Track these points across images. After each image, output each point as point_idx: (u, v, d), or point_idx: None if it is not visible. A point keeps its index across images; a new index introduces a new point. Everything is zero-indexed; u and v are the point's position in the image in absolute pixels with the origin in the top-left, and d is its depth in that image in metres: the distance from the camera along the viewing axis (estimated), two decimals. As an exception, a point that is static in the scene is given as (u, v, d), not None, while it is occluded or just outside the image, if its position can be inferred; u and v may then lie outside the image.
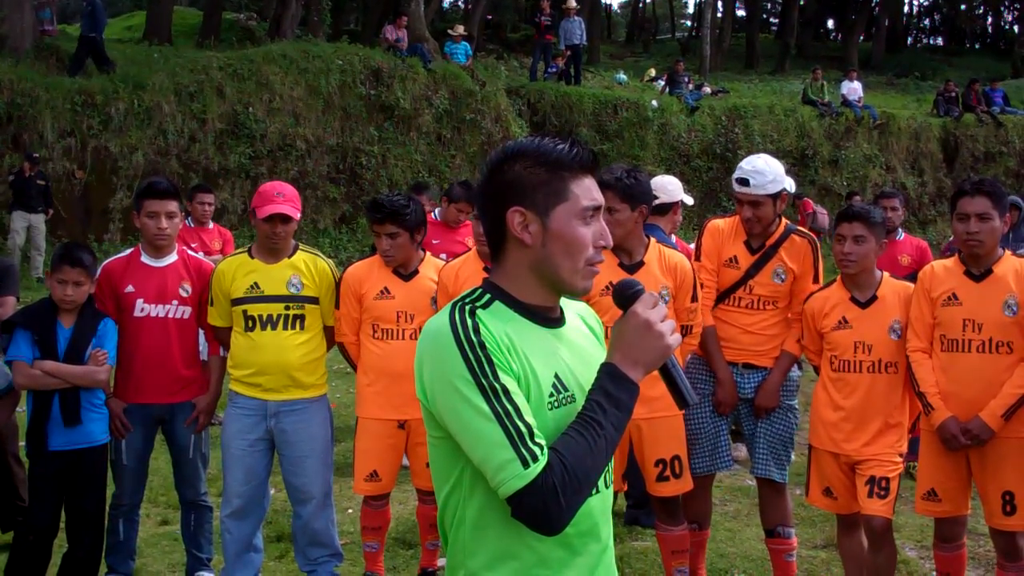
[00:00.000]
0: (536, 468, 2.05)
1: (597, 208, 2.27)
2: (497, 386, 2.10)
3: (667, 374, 2.27)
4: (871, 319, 4.88)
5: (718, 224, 5.46)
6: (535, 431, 2.09)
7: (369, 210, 5.22)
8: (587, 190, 2.26)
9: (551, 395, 2.20)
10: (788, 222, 5.36)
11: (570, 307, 2.44)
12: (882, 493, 4.75)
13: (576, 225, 2.24)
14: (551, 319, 2.32)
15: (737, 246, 5.28)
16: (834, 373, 4.95)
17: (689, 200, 6.42)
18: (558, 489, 2.04)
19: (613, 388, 2.14)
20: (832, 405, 4.93)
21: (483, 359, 2.11)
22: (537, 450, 2.07)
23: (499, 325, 2.19)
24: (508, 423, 2.07)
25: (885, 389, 4.85)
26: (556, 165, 2.24)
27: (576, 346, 2.34)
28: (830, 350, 4.97)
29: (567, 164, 2.25)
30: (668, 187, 6.36)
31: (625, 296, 2.24)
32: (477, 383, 2.10)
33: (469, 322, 2.16)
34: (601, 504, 2.31)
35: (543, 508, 2.05)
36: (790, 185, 5.34)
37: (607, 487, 2.34)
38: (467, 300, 2.26)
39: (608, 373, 2.17)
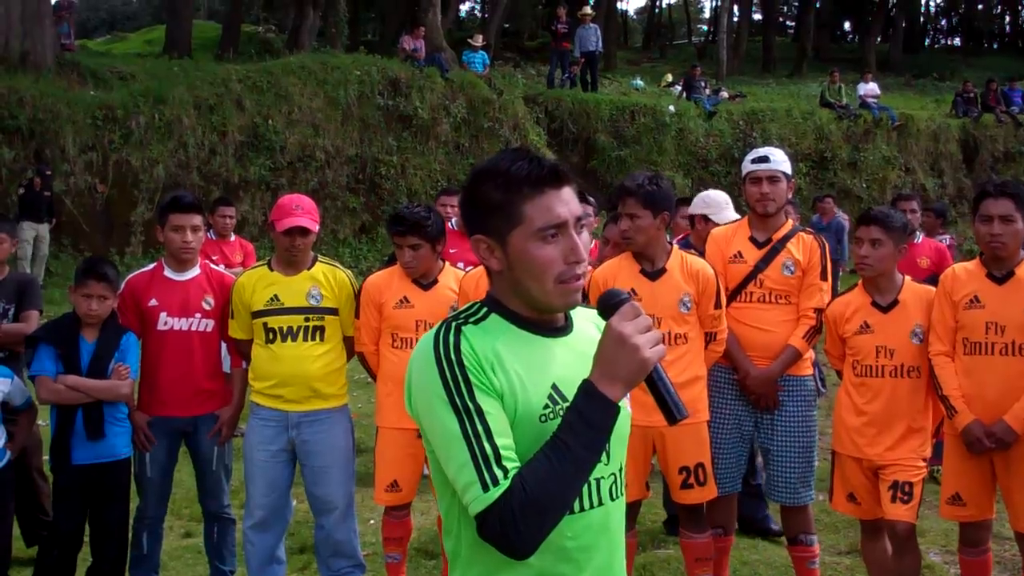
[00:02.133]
0: (496, 492, 2.03)
1: (560, 224, 2.17)
2: (471, 406, 2.08)
3: (653, 387, 2.17)
4: (892, 323, 4.86)
5: (719, 231, 5.54)
6: (503, 454, 2.06)
7: (391, 223, 5.22)
8: (547, 208, 2.17)
9: (545, 407, 2.17)
10: (796, 223, 5.42)
11: (581, 314, 2.40)
12: (905, 498, 4.73)
13: (535, 248, 2.17)
14: (553, 328, 2.29)
15: (741, 242, 5.31)
16: (857, 378, 4.93)
17: (735, 216, 6.36)
18: (516, 514, 2.01)
19: (585, 407, 2.07)
20: (855, 410, 4.91)
21: (459, 378, 2.10)
22: (500, 474, 2.04)
23: (488, 340, 2.17)
24: (476, 444, 2.06)
25: (908, 393, 4.82)
26: (509, 186, 2.17)
27: (582, 354, 2.24)
28: (852, 355, 4.95)
29: (519, 184, 2.17)
30: (712, 203, 6.45)
31: (607, 306, 2.16)
32: (451, 403, 2.10)
33: (451, 340, 2.15)
34: (604, 518, 2.26)
35: (501, 532, 2.03)
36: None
37: (612, 499, 2.29)
38: (460, 315, 2.25)
39: (583, 390, 2.09)
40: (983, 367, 4.64)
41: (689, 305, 4.94)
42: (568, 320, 2.33)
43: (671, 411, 2.17)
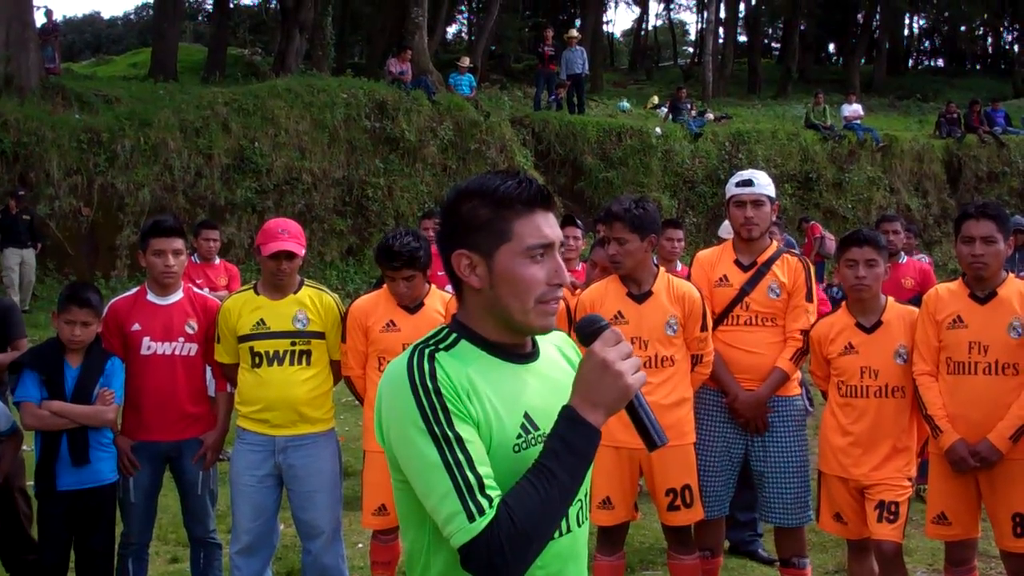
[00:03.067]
0: (482, 522, 2.00)
1: (547, 245, 2.19)
2: (450, 434, 2.05)
3: (634, 413, 2.17)
4: (876, 344, 4.88)
5: (704, 254, 5.57)
6: (486, 482, 2.04)
7: (383, 258, 5.14)
8: (535, 228, 2.18)
9: (519, 436, 2.16)
10: (780, 245, 5.42)
11: (547, 339, 2.38)
12: (891, 517, 4.74)
13: (522, 265, 2.17)
14: (521, 355, 2.27)
15: (726, 266, 5.33)
16: (842, 398, 4.95)
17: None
18: (504, 544, 1.98)
19: (568, 433, 2.06)
20: (840, 430, 4.93)
21: (437, 407, 2.07)
22: (485, 503, 2.01)
23: (461, 367, 2.15)
24: (458, 474, 2.03)
25: (893, 413, 4.85)
26: (500, 204, 2.18)
27: (551, 380, 2.28)
28: (837, 376, 4.98)
29: (511, 202, 2.18)
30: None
31: (587, 333, 2.16)
32: (430, 431, 2.05)
33: (426, 367, 2.11)
34: (571, 544, 2.26)
35: (488, 563, 1.99)
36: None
37: (579, 526, 2.28)
38: (430, 341, 2.22)
39: (566, 417, 2.08)
40: (967, 387, 4.67)
41: (676, 328, 4.95)
42: (535, 346, 2.32)
43: (651, 438, 2.17)
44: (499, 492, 2.04)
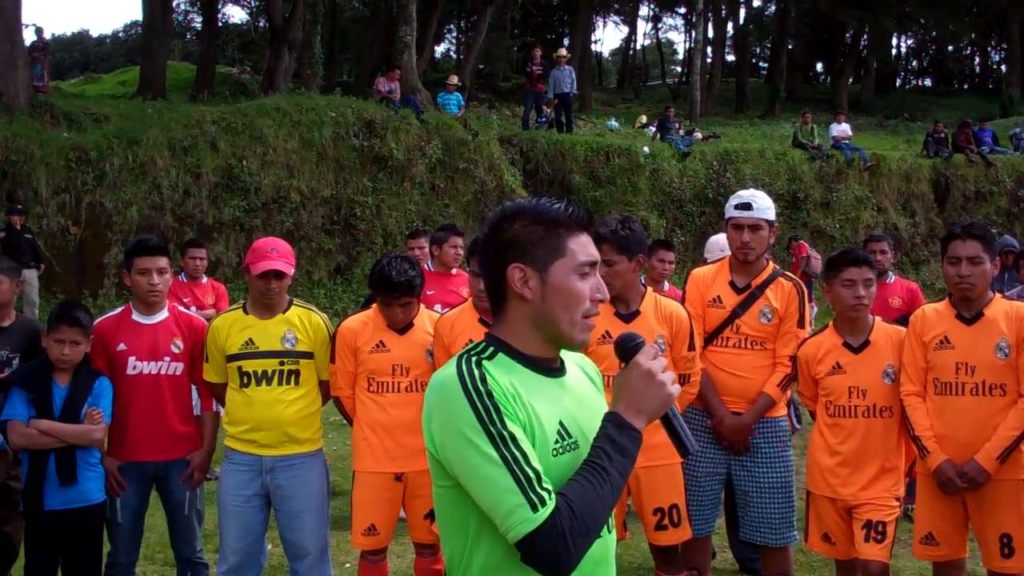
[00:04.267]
0: (545, 512, 2.12)
1: (593, 263, 2.37)
2: (505, 433, 2.17)
3: (668, 423, 2.35)
4: (864, 364, 4.90)
5: (700, 271, 5.55)
6: (542, 476, 2.16)
7: (383, 288, 5.10)
8: (583, 246, 2.36)
9: (556, 441, 2.28)
10: (776, 266, 5.41)
11: (569, 358, 2.51)
12: (879, 537, 4.75)
13: (574, 280, 2.33)
14: (553, 369, 2.40)
15: (721, 286, 5.32)
16: (830, 418, 4.96)
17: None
18: (566, 533, 2.11)
19: (618, 435, 2.23)
20: (828, 450, 4.94)
21: (491, 407, 2.19)
22: (545, 495, 2.13)
23: (504, 375, 2.27)
24: (517, 468, 2.14)
25: (881, 433, 4.86)
26: (553, 223, 2.34)
27: (578, 394, 2.42)
28: (825, 395, 4.98)
29: (564, 222, 2.35)
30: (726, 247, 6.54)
31: (627, 348, 2.34)
32: (486, 430, 2.17)
33: (476, 372, 2.24)
34: (601, 549, 2.36)
35: (552, 551, 2.11)
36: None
37: (609, 532, 2.41)
38: (472, 352, 2.34)
39: (613, 421, 2.25)
40: (954, 407, 4.68)
41: (663, 347, 4.95)
42: (562, 363, 2.45)
43: (684, 445, 2.36)
44: (552, 487, 2.17)
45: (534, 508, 2.11)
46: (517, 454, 2.15)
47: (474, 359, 2.29)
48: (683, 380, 5.05)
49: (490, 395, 2.20)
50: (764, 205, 5.24)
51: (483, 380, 2.22)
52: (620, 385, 2.31)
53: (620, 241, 4.87)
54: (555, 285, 2.32)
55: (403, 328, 5.23)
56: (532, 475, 2.14)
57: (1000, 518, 4.63)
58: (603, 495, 2.17)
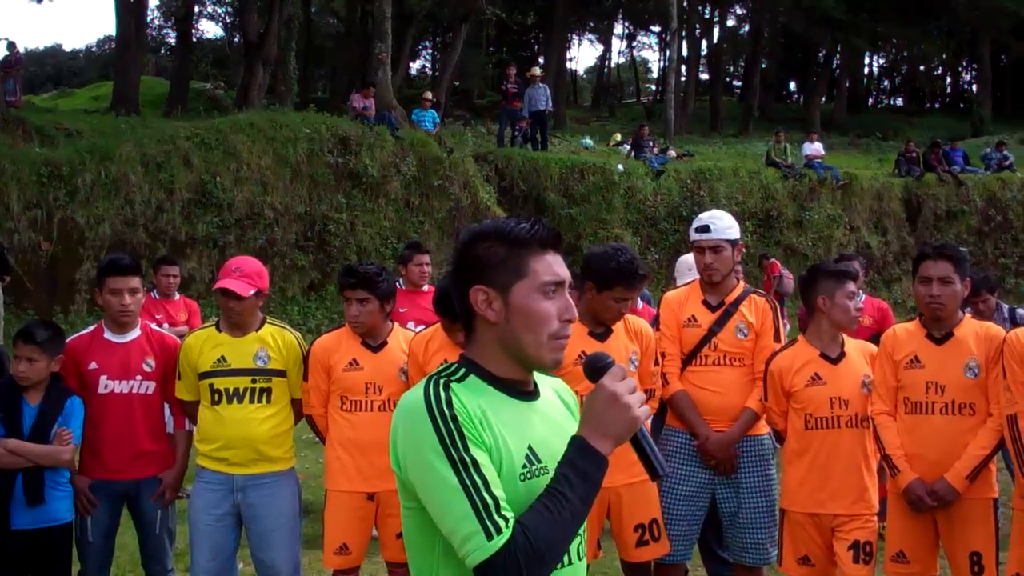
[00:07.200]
0: (500, 540, 2.09)
1: (560, 283, 2.33)
2: (467, 458, 2.15)
3: (638, 445, 2.31)
4: (844, 374, 4.92)
5: (672, 294, 5.59)
6: (502, 504, 2.13)
7: (342, 275, 5.23)
8: (548, 266, 2.33)
9: (524, 466, 2.25)
10: (747, 285, 5.45)
11: (545, 382, 2.50)
12: (867, 558, 4.77)
13: (537, 300, 2.30)
14: (525, 392, 2.38)
15: (694, 306, 5.35)
16: (808, 432, 4.92)
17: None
18: (520, 562, 2.09)
19: (580, 461, 2.19)
20: (808, 465, 4.91)
21: (454, 432, 2.17)
22: (502, 522, 2.11)
23: (473, 398, 2.26)
24: (475, 495, 2.12)
25: (863, 443, 4.88)
26: (516, 243, 2.32)
27: (550, 419, 2.40)
28: (803, 408, 4.93)
29: (526, 242, 2.32)
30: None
31: (595, 369, 2.31)
32: (447, 455, 2.15)
33: (443, 395, 2.23)
34: (572, 575, 2.33)
35: None
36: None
37: (580, 559, 2.37)
38: (443, 374, 2.32)
39: (576, 446, 2.21)
40: (924, 426, 4.71)
41: (636, 363, 4.99)
42: (535, 386, 2.42)
43: (654, 467, 2.32)
44: (513, 514, 2.14)
45: (489, 536, 2.09)
46: (477, 480, 2.13)
47: (443, 381, 2.27)
48: (649, 395, 5.07)
49: (455, 419, 2.18)
50: (723, 225, 5.27)
51: (448, 403, 2.20)
52: (586, 407, 2.27)
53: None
54: (517, 306, 2.30)
55: (376, 346, 5.23)
56: (491, 502, 2.12)
57: (970, 536, 4.66)
58: (561, 522, 2.14)
